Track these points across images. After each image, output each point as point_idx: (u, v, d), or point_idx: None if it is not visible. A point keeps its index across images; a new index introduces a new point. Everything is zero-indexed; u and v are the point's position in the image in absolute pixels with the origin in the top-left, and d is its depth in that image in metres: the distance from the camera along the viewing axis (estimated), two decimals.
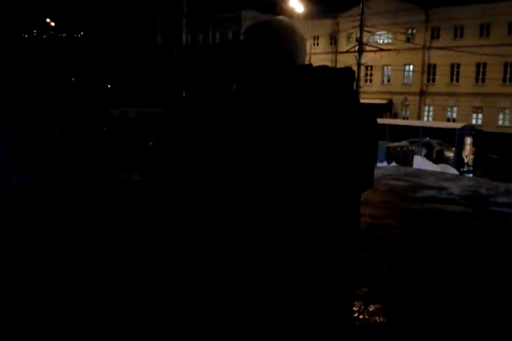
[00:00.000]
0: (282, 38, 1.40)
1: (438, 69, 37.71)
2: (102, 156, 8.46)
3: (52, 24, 38.40)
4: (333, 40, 42.46)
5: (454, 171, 17.20)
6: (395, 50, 32.46)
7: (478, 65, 35.35)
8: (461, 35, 36.13)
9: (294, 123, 1.27)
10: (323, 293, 1.30)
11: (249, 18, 46.11)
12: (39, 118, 9.80)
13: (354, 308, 3.40)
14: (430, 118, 38.22)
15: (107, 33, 40.14)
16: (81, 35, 41.66)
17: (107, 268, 4.26)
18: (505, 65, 34.05)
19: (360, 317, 3.42)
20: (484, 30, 34.95)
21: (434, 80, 38.37)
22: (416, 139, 19.55)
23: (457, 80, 36.85)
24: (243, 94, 1.42)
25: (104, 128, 9.51)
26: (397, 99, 39.84)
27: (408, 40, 37.80)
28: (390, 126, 20.42)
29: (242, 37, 1.49)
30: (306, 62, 1.45)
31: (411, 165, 16.19)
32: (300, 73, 1.36)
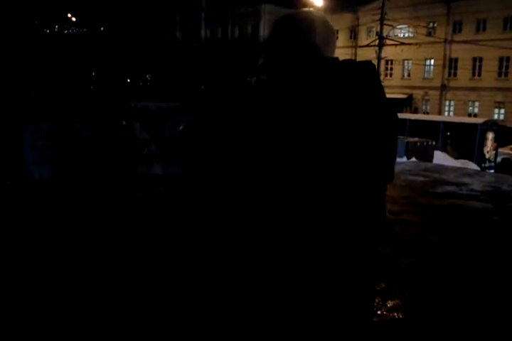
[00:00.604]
0: (310, 30, 1.38)
1: (459, 63, 37.13)
2: (121, 150, 8.53)
3: (74, 19, 38.77)
4: (353, 34, 42.06)
5: (474, 167, 16.96)
6: (416, 43, 32.00)
7: (501, 59, 34.69)
8: (484, 29, 35.47)
9: (320, 116, 1.25)
10: (346, 289, 1.29)
11: (268, 12, 45.94)
12: (60, 112, 9.91)
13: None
14: (451, 113, 37.70)
15: (127, 29, 40.37)
16: (101, 31, 41.96)
17: (109, 264, 4.31)
18: None
19: (379, 312, 3.41)
20: (508, 24, 34.23)
21: (455, 74, 37.80)
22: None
23: (479, 74, 36.25)
24: (268, 88, 1.40)
25: (124, 122, 9.58)
26: (418, 94, 39.37)
27: (429, 34, 37.26)
28: (410, 120, 20.19)
29: (270, 29, 1.47)
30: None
31: (431, 160, 16.00)
32: (327, 66, 1.34)
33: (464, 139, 19.07)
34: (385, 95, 1.35)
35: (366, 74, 1.33)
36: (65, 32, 39.91)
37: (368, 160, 1.27)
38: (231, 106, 1.39)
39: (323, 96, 1.27)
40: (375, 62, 21.46)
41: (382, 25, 26.38)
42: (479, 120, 21.62)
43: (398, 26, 37.16)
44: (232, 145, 1.32)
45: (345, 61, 1.37)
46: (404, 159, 14.62)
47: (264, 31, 45.71)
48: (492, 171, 17.63)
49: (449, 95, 38.08)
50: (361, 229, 1.30)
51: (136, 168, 8.44)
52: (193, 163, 1.43)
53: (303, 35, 1.38)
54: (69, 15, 38.17)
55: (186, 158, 1.43)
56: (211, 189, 1.41)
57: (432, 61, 38.90)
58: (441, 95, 38.40)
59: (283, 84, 1.36)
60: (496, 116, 34.35)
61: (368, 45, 29.90)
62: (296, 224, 1.25)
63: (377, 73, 1.38)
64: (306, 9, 1.46)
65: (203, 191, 1.44)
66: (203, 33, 51.24)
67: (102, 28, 41.86)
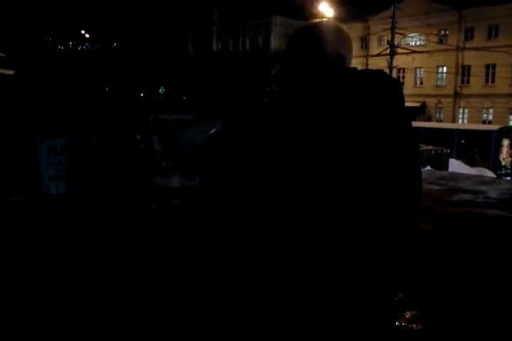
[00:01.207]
0: (334, 40, 1.36)
1: (472, 70, 36.95)
2: (137, 163, 8.61)
3: (87, 36, 39.47)
4: (364, 43, 42.15)
5: (491, 174, 16.79)
6: (428, 51, 31.95)
7: None
8: (496, 35, 35.31)
9: (340, 128, 1.23)
10: (353, 299, 1.27)
11: (278, 24, 46.31)
12: (76, 127, 10.05)
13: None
14: (465, 121, 37.45)
15: (139, 43, 40.94)
16: (114, 46, 42.60)
17: (112, 271, 4.33)
18: None
19: (397, 323, 3.37)
20: None
21: (468, 82, 37.60)
22: None
23: (492, 81, 36.01)
24: (289, 100, 1.37)
25: (138, 136, 9.67)
26: (431, 102, 39.21)
27: (441, 42, 37.19)
28: (424, 129, 20.11)
29: (289, 39, 1.43)
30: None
31: (446, 168, 15.89)
32: (347, 78, 1.32)
33: (479, 147, 18.92)
34: (404, 107, 1.32)
35: (386, 88, 1.31)
36: (79, 48, 40.58)
37: (390, 176, 1.25)
38: (253, 120, 1.37)
39: (343, 109, 1.25)
40: (386, 70, 21.42)
41: (393, 33, 26.43)
42: (494, 127, 21.46)
43: (409, 35, 37.14)
44: (253, 158, 1.30)
45: (367, 71, 1.34)
46: None
47: (275, 43, 46.04)
48: (509, 178, 17.42)
49: (462, 102, 37.85)
50: (379, 244, 1.26)
51: (154, 181, 8.49)
52: (213, 174, 1.40)
53: (323, 45, 1.35)
54: (82, 31, 38.84)
55: (207, 169, 1.39)
56: (225, 197, 1.40)
57: (445, 68, 38.78)
58: (454, 103, 38.19)
59: (304, 97, 1.33)
60: (511, 123, 34.01)
61: (379, 54, 29.96)
62: (312, 236, 1.23)
63: (398, 84, 1.34)
64: (324, 19, 1.43)
65: (217, 199, 1.42)
66: (214, 46, 51.76)
67: (114, 44, 42.46)
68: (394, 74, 30.89)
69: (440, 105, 39.01)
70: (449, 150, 17.16)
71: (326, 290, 1.25)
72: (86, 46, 41.41)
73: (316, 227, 1.23)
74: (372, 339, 1.31)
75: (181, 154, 1.30)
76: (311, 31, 1.38)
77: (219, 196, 1.41)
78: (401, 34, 28.66)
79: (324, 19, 1.44)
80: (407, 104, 1.36)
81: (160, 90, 36.09)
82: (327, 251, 1.24)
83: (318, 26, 1.39)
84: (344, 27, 1.42)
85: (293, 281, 1.27)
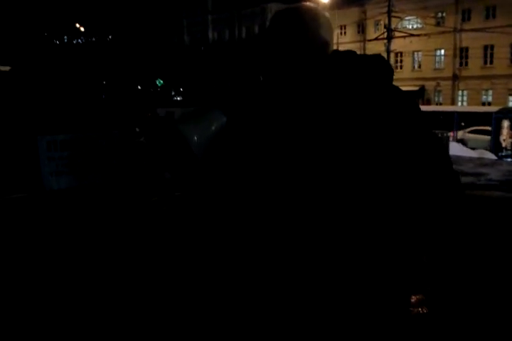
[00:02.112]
0: (319, 25, 1.29)
1: (470, 52, 36.69)
2: (138, 157, 8.59)
3: (82, 29, 39.19)
4: (361, 28, 41.80)
5: (492, 156, 16.75)
6: (425, 34, 31.75)
7: None
8: (494, 16, 35.00)
9: (339, 116, 1.19)
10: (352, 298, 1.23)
11: (274, 11, 45.80)
12: (75, 122, 10.03)
13: None
14: (464, 103, 37.28)
15: (135, 35, 40.66)
16: (109, 39, 42.31)
17: (109, 268, 4.35)
18: None
19: None
20: None
21: (466, 64, 37.36)
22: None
23: (491, 62, 35.78)
24: (273, 88, 1.31)
25: (137, 129, 9.65)
26: (430, 85, 39.01)
27: (438, 24, 36.88)
28: (423, 112, 20.03)
29: (268, 25, 1.35)
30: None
31: (447, 151, 15.84)
32: (337, 62, 1.27)
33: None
34: (401, 91, 1.27)
35: (381, 72, 1.26)
36: (74, 42, 40.35)
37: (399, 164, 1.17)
38: (252, 113, 1.31)
39: (339, 99, 1.20)
40: (384, 55, 21.32)
41: (389, 17, 26.23)
42: (494, 108, 21.36)
43: (406, 18, 36.86)
44: (255, 153, 1.25)
45: (351, 54, 1.30)
46: None
47: None
48: (509, 160, 17.39)
49: (461, 85, 37.66)
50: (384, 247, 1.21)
51: (163, 174, 8.47)
52: (217, 172, 1.33)
53: (309, 28, 1.27)
54: (77, 25, 38.59)
55: (211, 167, 1.31)
56: (228, 193, 1.35)
57: (443, 51, 38.52)
58: (453, 85, 37.99)
59: (296, 88, 1.27)
60: (510, 104, 33.87)
61: (376, 39, 29.72)
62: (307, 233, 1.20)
63: (391, 70, 1.28)
64: (304, 3, 1.34)
65: (214, 196, 1.37)
66: (210, 35, 51.43)
67: (110, 37, 42.21)
68: (392, 59, 30.73)
69: (439, 88, 38.82)
70: (449, 133, 17.10)
71: (326, 290, 1.22)
72: (81, 40, 41.16)
73: (316, 225, 1.19)
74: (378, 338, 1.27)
75: (193, 157, 1.21)
76: (293, 16, 1.30)
77: (222, 192, 1.36)
78: (398, 17, 28.44)
79: (304, 3, 1.35)
80: (405, 88, 1.33)
81: (157, 82, 35.92)
82: (329, 249, 1.20)
83: (298, 11, 1.31)
84: (324, 11, 1.35)
85: (294, 280, 1.24)
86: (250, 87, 1.40)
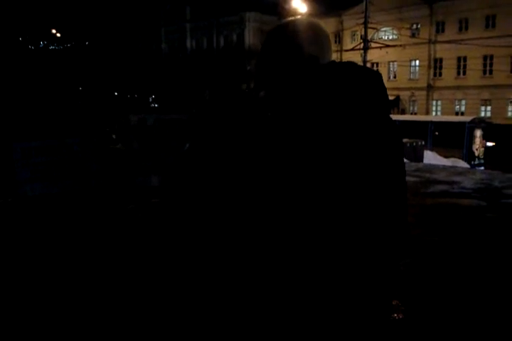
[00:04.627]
0: (304, 39, 1.34)
1: (444, 63, 37.50)
2: (113, 163, 8.55)
3: (58, 35, 38.81)
4: (338, 38, 42.39)
5: (464, 165, 17.10)
6: (401, 45, 32.29)
7: (485, 58, 35.09)
8: (467, 28, 35.89)
9: (330, 131, 1.21)
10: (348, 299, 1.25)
11: (252, 20, 46.23)
12: (49, 128, 9.91)
13: None
14: (438, 113, 38.00)
15: (112, 42, 40.44)
16: (86, 45, 41.97)
17: (105, 271, 4.31)
18: None
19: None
20: (490, 22, 34.67)
21: (440, 74, 38.16)
22: None
23: (464, 73, 36.62)
24: (274, 104, 1.36)
25: (114, 136, 9.59)
26: (405, 95, 39.67)
27: (413, 35, 37.64)
28: (399, 122, 20.33)
29: (264, 39, 1.41)
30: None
31: (421, 160, 16.11)
32: (326, 76, 1.30)
33: (452, 138, 19.23)
34: (388, 103, 1.32)
35: (370, 85, 1.31)
36: (50, 48, 39.93)
37: (378, 174, 1.22)
38: (233, 129, 1.36)
39: (328, 109, 1.23)
40: (360, 65, 21.47)
41: (366, 28, 26.56)
42: (467, 118, 21.83)
43: (382, 29, 37.51)
44: (248, 162, 1.29)
45: (347, 66, 1.34)
46: None
47: (249, 39, 45.97)
48: (482, 168, 17.77)
49: (435, 95, 38.41)
50: (371, 243, 1.25)
51: (135, 180, 8.48)
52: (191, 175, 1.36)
53: (298, 44, 1.33)
54: (53, 31, 38.19)
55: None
56: (224, 199, 1.37)
57: (417, 62, 39.28)
58: (427, 95, 38.73)
59: (286, 102, 1.30)
60: (482, 114, 34.66)
61: (353, 49, 30.13)
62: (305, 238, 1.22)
63: (381, 81, 1.33)
64: (298, 17, 1.40)
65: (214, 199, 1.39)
66: (188, 44, 51.43)
67: (86, 43, 41.91)
68: None
69: (414, 98, 39.52)
70: (423, 142, 17.39)
71: (321, 290, 1.25)
72: (57, 45, 40.75)
73: (308, 228, 1.22)
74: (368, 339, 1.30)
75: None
76: (281, 32, 1.36)
77: (222, 193, 1.38)
78: (374, 28, 28.91)
79: (298, 17, 1.41)
80: None
81: (134, 89, 35.74)
82: (320, 251, 1.22)
83: (289, 26, 1.36)
84: (319, 24, 1.40)
85: (288, 282, 1.26)
86: (232, 97, 1.44)
